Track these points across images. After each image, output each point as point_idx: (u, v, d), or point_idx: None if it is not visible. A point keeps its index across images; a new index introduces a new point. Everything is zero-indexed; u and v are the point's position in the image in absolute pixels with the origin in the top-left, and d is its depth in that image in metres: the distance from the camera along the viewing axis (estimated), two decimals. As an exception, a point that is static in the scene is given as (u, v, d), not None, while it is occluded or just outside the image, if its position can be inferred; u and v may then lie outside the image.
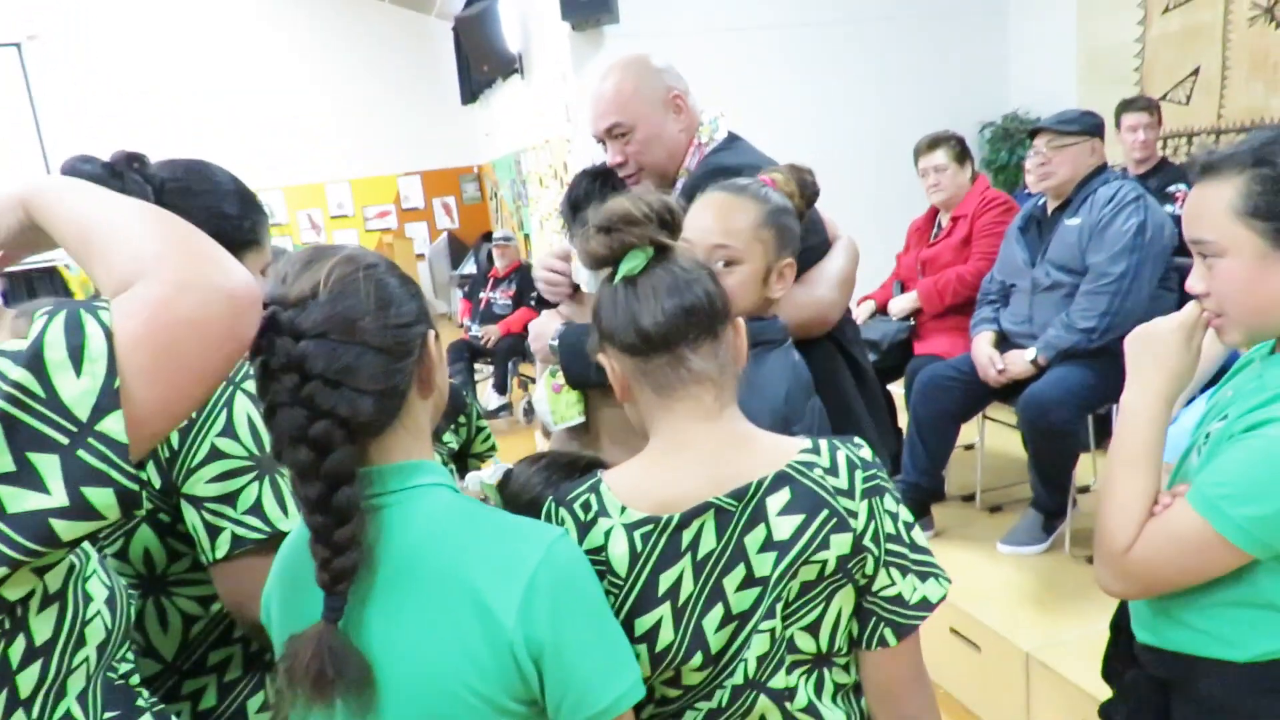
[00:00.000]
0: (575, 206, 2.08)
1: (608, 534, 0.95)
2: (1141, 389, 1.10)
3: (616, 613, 0.95)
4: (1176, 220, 2.76)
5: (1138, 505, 1.08)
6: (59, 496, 0.67)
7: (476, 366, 5.98)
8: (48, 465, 0.67)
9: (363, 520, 0.84)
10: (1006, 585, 2.62)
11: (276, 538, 1.10)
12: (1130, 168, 3.65)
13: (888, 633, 1.01)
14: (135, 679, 0.93)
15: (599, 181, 2.06)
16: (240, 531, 1.10)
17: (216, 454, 1.10)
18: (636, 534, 0.95)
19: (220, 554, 1.09)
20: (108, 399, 0.68)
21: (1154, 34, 4.21)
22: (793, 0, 4.66)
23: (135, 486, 0.70)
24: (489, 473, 2.03)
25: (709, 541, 0.96)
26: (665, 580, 0.95)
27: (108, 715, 0.84)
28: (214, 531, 1.10)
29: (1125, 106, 3.66)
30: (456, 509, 0.91)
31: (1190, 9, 4.03)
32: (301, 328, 0.82)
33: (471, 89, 8.16)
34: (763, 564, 0.96)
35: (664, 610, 0.95)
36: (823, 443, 1.01)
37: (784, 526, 0.96)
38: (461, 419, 2.20)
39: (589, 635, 0.88)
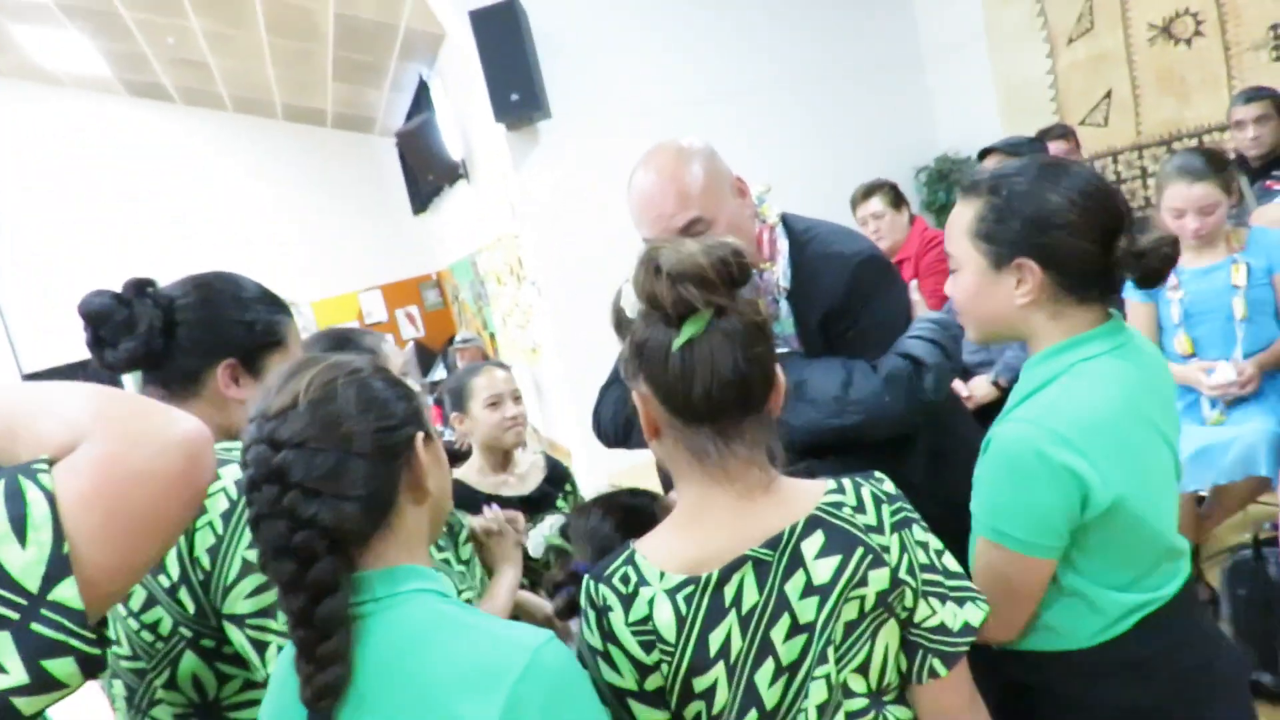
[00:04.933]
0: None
1: (650, 602, 0.92)
2: None
3: (673, 679, 0.92)
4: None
5: None
6: (17, 674, 0.63)
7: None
8: (1, 643, 0.63)
9: (349, 634, 0.80)
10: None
11: None
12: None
13: (936, 663, 1.00)
14: None
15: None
16: (284, 643, 1.06)
17: (249, 568, 1.08)
18: (679, 597, 0.92)
19: (271, 669, 1.06)
20: (57, 567, 0.65)
21: (1063, 64, 4.38)
22: (715, 74, 4.79)
23: (97, 651, 0.67)
24: (547, 525, 2.06)
25: (751, 595, 0.94)
26: (715, 640, 0.93)
27: None
28: (260, 647, 1.07)
29: (1043, 136, 3.79)
30: (441, 617, 0.84)
31: (1093, 37, 4.22)
32: (281, 437, 0.81)
33: (421, 199, 8.30)
34: (806, 610, 0.95)
35: (718, 670, 0.93)
36: (845, 481, 1.01)
37: (822, 570, 0.95)
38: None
39: None
